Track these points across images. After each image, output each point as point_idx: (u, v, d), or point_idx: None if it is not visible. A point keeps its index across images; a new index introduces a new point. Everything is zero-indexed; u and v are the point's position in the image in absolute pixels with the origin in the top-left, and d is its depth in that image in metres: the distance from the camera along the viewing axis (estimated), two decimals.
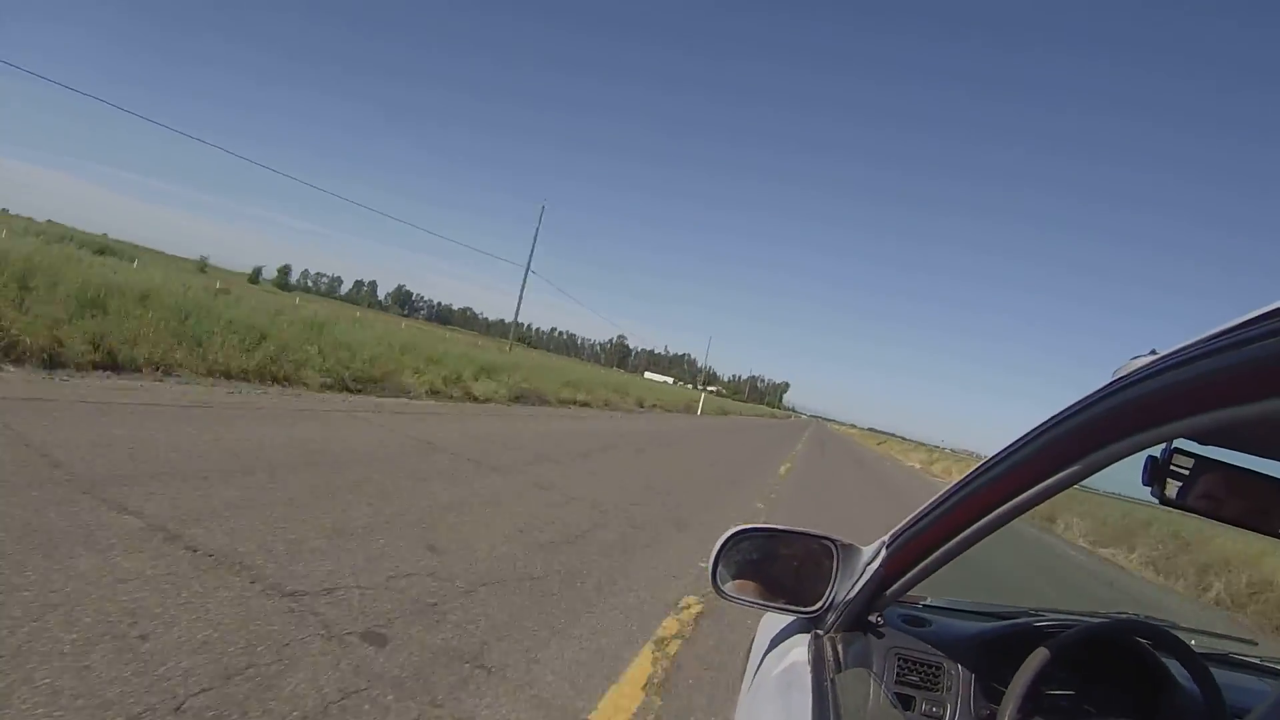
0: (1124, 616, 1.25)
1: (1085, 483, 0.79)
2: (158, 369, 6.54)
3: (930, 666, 1.07)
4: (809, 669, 1.10)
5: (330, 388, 8.69)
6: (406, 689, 2.16)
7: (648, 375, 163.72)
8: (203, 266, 71.90)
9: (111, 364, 6.17)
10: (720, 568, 1.21)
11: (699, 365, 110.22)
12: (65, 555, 2.42)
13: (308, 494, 3.91)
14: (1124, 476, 0.79)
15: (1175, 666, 1.04)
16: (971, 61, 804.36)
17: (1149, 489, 0.76)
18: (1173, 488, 0.75)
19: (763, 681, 1.29)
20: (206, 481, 3.65)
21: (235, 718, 1.80)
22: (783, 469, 13.63)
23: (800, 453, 21.05)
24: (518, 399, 14.10)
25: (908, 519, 1.03)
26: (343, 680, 2.11)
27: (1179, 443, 0.74)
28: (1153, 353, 0.66)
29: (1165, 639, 1.05)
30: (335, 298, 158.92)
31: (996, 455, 0.86)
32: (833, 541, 1.18)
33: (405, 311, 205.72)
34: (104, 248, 32.94)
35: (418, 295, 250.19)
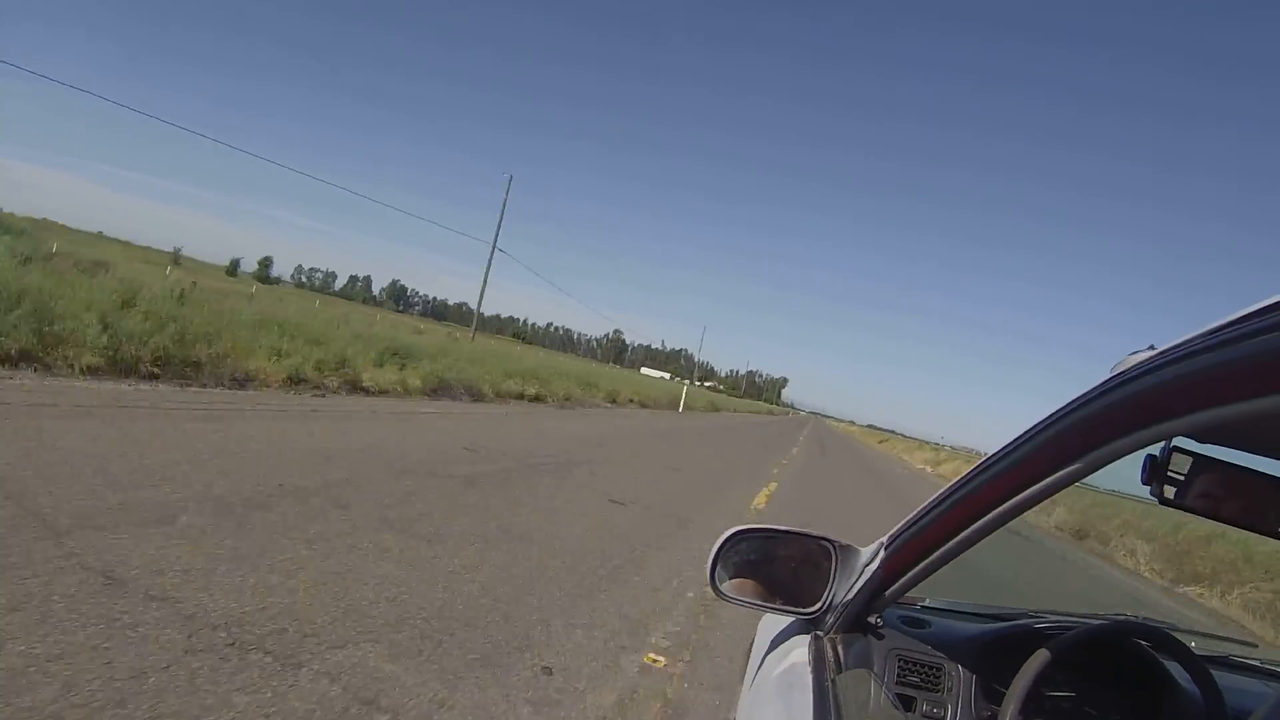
0: (1124, 618, 1.25)
1: (1085, 482, 0.79)
2: None
3: (931, 668, 1.07)
4: (810, 670, 1.10)
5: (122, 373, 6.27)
6: None
7: (644, 370, 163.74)
8: (176, 258, 71.06)
9: None
10: (719, 568, 1.20)
11: (696, 360, 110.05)
12: None
13: None
14: (1124, 476, 0.79)
15: (1176, 669, 1.03)
16: (972, 54, 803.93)
17: (1148, 488, 0.76)
18: (1171, 489, 0.75)
19: (763, 682, 1.29)
20: None
21: None
22: (759, 499, 8.30)
23: (795, 458, 16.98)
24: (435, 391, 11.47)
25: (906, 519, 1.03)
26: None
27: (1178, 441, 0.74)
28: (1151, 348, 0.65)
29: (1166, 641, 1.05)
30: (330, 293, 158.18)
31: (994, 454, 0.85)
32: (831, 542, 1.18)
33: (400, 307, 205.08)
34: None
35: (413, 290, 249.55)
